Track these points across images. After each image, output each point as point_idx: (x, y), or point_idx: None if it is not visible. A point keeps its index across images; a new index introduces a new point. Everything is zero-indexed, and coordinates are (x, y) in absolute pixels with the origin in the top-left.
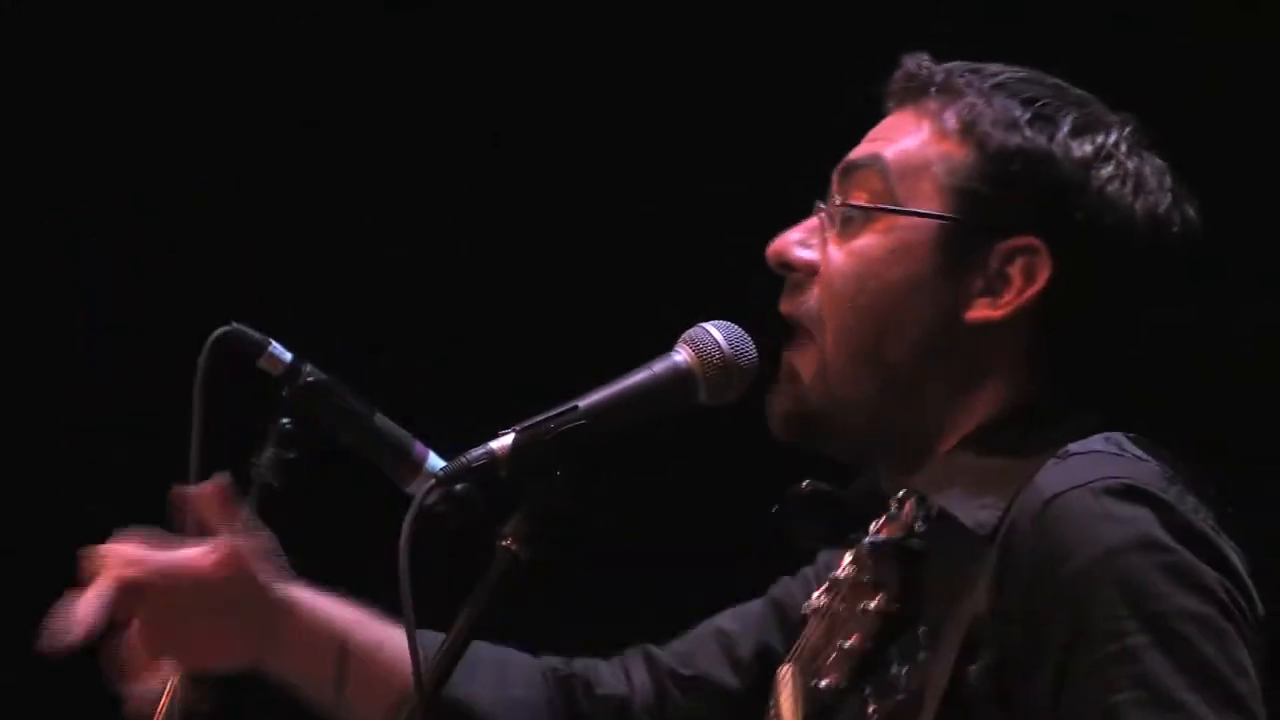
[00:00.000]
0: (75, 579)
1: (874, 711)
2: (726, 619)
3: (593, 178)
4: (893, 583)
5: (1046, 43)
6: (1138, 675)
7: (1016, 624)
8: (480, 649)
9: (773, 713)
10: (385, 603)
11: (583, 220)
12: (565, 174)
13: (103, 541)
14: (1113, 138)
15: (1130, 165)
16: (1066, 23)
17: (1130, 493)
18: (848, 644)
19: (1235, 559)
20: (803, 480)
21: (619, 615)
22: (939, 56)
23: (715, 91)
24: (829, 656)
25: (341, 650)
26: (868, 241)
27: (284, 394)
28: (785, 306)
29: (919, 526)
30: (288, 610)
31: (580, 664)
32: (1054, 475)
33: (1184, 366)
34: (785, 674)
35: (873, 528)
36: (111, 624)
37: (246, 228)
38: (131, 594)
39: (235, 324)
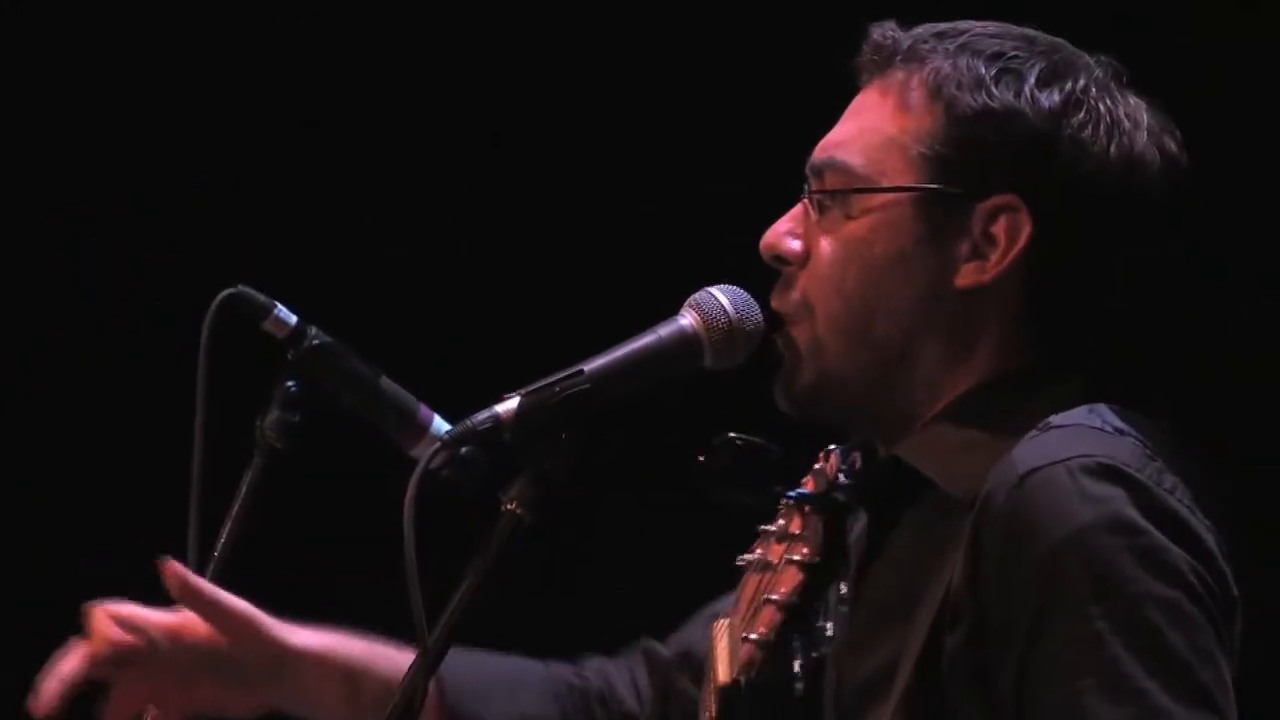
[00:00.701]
0: (80, 540)
1: (801, 666)
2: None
3: (595, 169)
4: (815, 536)
5: None
6: (1099, 661)
7: (988, 599)
8: (492, 665)
9: (709, 665)
10: (389, 565)
11: (588, 201)
12: (570, 156)
13: (112, 500)
14: (1081, 82)
15: (1102, 108)
16: (1066, 23)
17: (1105, 471)
18: (775, 596)
19: (1210, 540)
20: (734, 433)
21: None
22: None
23: (717, 90)
24: (758, 608)
25: (344, 684)
26: (849, 226)
27: (289, 356)
28: (775, 302)
29: (842, 479)
30: (290, 660)
31: (593, 671)
32: (1032, 449)
33: (1182, 364)
34: (720, 627)
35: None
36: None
37: (253, 189)
38: (121, 660)
39: (241, 286)
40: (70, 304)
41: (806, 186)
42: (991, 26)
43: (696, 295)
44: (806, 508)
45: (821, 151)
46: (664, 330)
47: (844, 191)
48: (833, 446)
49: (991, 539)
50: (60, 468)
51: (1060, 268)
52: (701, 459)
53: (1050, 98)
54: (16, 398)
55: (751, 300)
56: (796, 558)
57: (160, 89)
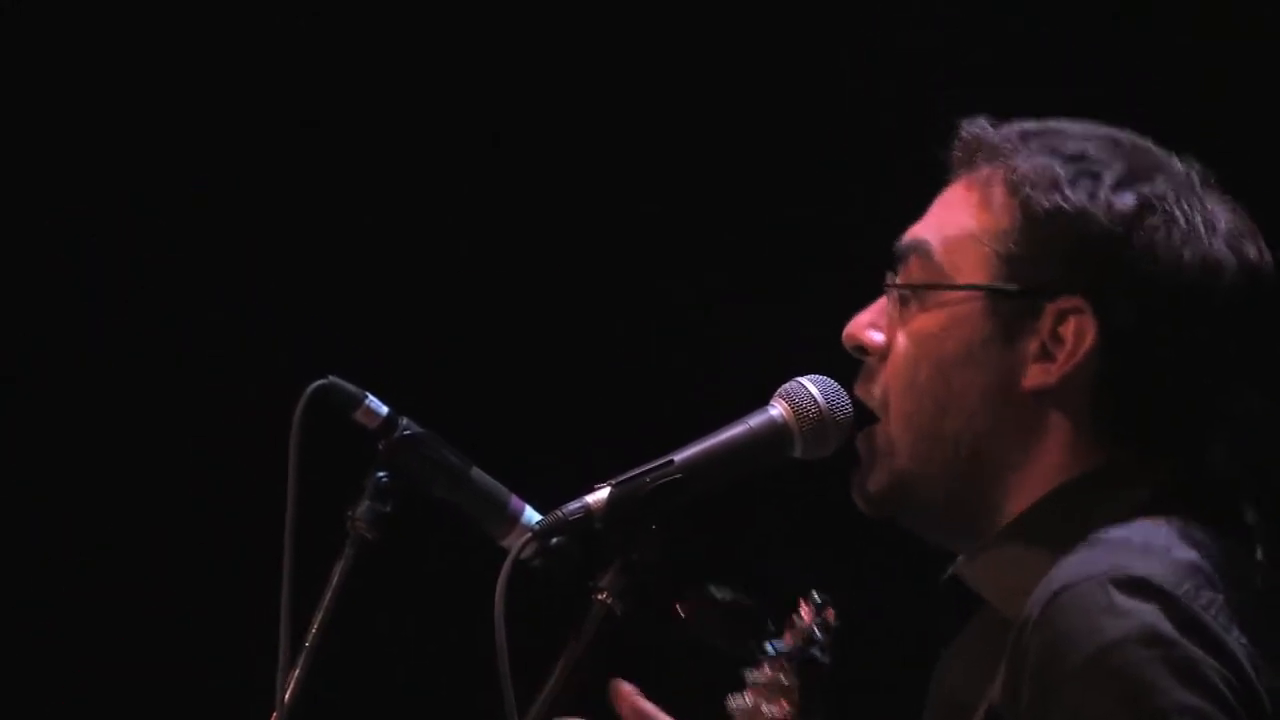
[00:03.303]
0: (174, 634)
1: None
2: None
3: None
4: (793, 693)
5: (1047, 43)
6: None
7: (1024, 713)
8: None
9: None
10: (481, 655)
11: (682, 282)
12: (665, 250)
13: (204, 588)
14: (1159, 186)
15: (1178, 212)
16: (1066, 22)
17: (1136, 585)
18: None
19: (1245, 658)
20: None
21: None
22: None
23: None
24: None
25: None
26: (923, 320)
27: (380, 447)
28: (858, 391)
29: (818, 635)
30: None
31: None
32: (1069, 566)
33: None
34: None
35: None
36: None
37: (346, 281)
38: None
39: (332, 377)
40: (163, 396)
41: (889, 277)
42: (1079, 127)
43: (787, 385)
44: (782, 663)
45: (904, 242)
46: (754, 420)
47: (919, 287)
48: (812, 597)
49: (1026, 655)
50: (154, 561)
51: (1126, 371)
52: (681, 612)
53: (1124, 200)
54: (112, 489)
55: (841, 390)
56: (775, 713)
57: (250, 178)
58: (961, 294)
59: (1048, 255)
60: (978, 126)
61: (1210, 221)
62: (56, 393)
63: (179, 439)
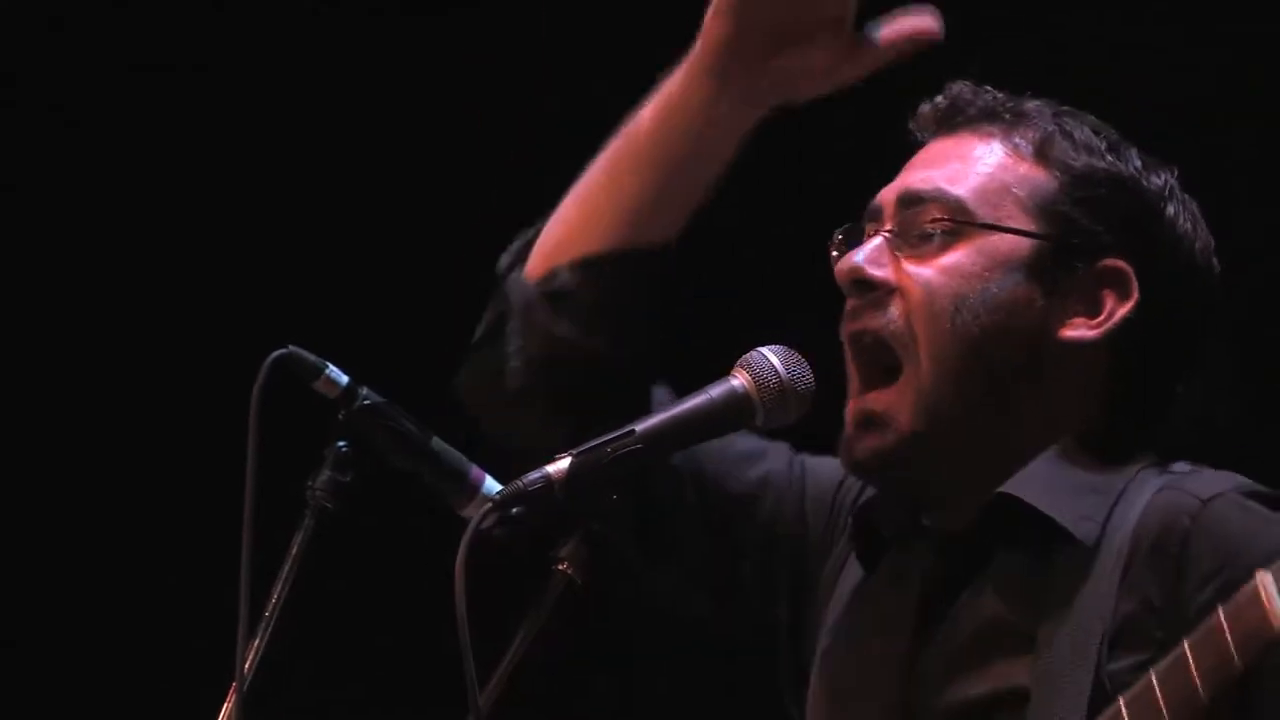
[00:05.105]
0: (135, 602)
1: None
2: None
3: None
4: None
5: (1046, 42)
6: None
7: (1179, 619)
8: None
9: None
10: (441, 625)
11: None
12: None
13: (163, 558)
14: (1172, 176)
15: (1188, 200)
16: (1066, 22)
17: (1273, 498)
18: None
19: None
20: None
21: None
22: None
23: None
24: None
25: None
26: (959, 258)
27: (340, 417)
28: (862, 323)
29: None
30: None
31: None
32: (1195, 484)
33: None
34: None
35: None
36: None
37: (306, 251)
38: None
39: (292, 347)
40: (123, 366)
41: (875, 224)
42: (1057, 104)
43: (748, 355)
44: None
45: (923, 184)
46: (715, 391)
47: (962, 224)
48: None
49: (1191, 560)
50: (113, 531)
51: (1152, 341)
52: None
53: (1153, 180)
54: (71, 459)
55: (802, 360)
56: None
57: (216, 152)
58: (1008, 239)
59: (1095, 216)
60: (971, 89)
61: (1202, 218)
62: (12, 361)
63: (138, 409)
